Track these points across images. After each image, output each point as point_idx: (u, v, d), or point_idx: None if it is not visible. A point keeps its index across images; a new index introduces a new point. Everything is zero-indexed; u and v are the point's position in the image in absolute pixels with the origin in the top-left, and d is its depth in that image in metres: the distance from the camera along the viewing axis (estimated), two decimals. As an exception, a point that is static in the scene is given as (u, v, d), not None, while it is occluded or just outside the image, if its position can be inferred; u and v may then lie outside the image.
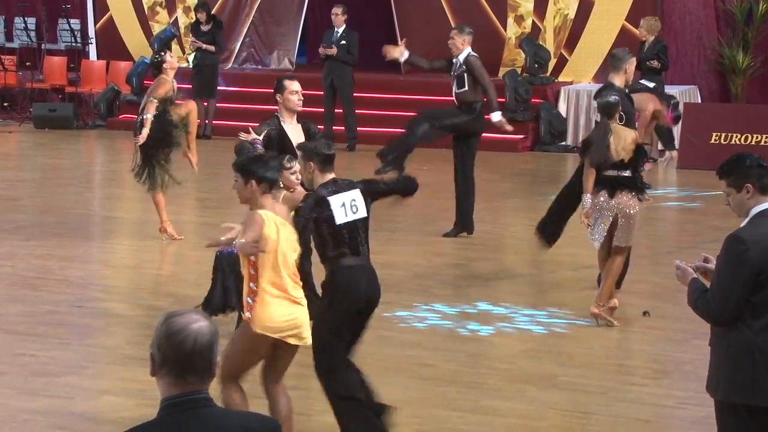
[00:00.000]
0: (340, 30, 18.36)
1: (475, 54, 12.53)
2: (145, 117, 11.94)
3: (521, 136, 18.76)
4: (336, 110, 18.50)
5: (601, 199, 9.50)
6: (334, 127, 18.32)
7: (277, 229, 6.54)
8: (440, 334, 9.43)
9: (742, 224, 5.44)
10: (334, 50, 18.06)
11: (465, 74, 12.41)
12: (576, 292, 10.42)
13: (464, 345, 9.17)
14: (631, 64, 10.50)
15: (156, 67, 12.50)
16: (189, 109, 12.50)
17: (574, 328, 9.64)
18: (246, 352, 6.68)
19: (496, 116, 12.72)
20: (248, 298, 6.65)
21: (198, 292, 9.33)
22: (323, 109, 18.20)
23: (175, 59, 12.57)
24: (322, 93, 18.29)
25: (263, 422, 3.60)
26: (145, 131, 11.88)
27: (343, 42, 18.22)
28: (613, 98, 9.57)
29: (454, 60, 12.59)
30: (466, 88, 12.44)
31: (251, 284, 6.59)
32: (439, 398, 7.99)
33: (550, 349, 9.11)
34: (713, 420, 5.60)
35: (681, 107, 14.83)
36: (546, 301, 10.41)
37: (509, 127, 13.07)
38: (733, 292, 5.28)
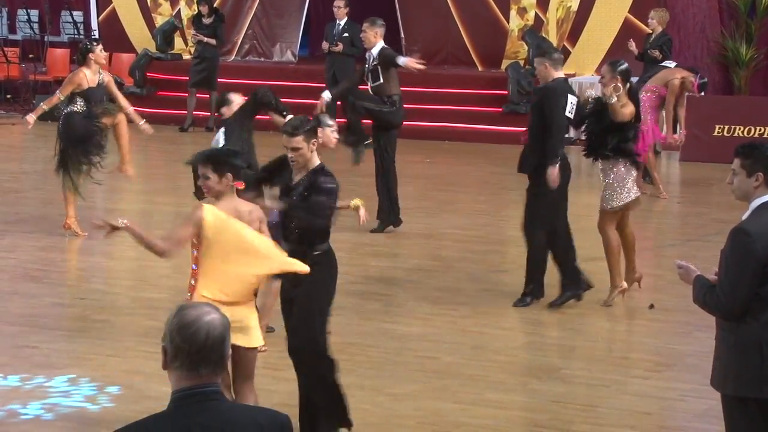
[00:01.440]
0: (342, 22, 18.33)
1: (387, 47, 12.52)
2: (41, 104, 11.68)
3: (524, 129, 18.74)
4: (338, 102, 18.47)
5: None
6: (336, 120, 18.32)
7: (217, 224, 6.26)
8: (442, 326, 9.43)
9: (744, 216, 5.43)
10: (340, 47, 18.02)
11: (379, 67, 12.33)
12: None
13: (466, 337, 9.17)
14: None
15: (81, 55, 11.73)
16: (117, 120, 11.78)
17: (577, 320, 9.64)
18: None
19: (402, 60, 12.54)
20: (192, 280, 6.42)
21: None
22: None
23: (103, 54, 11.74)
24: (324, 85, 18.29)
25: (272, 416, 3.60)
26: (32, 116, 11.68)
27: (346, 35, 18.20)
28: (627, 65, 9.78)
29: (367, 55, 12.50)
30: (381, 81, 12.36)
31: (193, 265, 6.38)
32: (441, 391, 7.98)
33: (552, 342, 9.11)
34: (716, 412, 5.59)
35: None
36: (549, 293, 10.40)
37: (418, 65, 12.63)
38: (741, 285, 5.26)
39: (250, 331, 6.37)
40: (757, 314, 5.28)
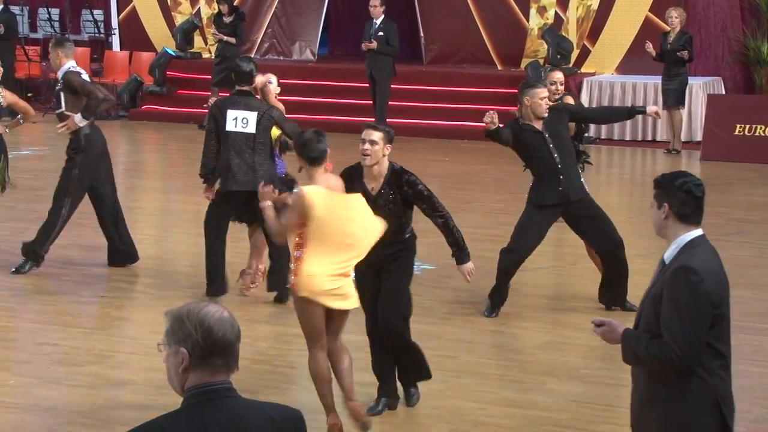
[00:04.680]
0: (378, 21, 18.40)
1: (75, 69, 10.74)
2: None
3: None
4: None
5: None
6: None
7: (325, 201, 6.75)
8: (460, 325, 9.42)
9: (666, 254, 4.83)
10: (374, 44, 18.12)
11: (62, 92, 10.73)
12: (597, 284, 10.38)
13: (485, 337, 9.16)
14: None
15: None
16: None
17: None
18: (303, 320, 6.93)
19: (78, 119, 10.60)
20: (292, 264, 6.94)
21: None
22: (371, 102, 18.38)
23: None
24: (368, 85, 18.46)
25: (285, 411, 3.61)
26: None
27: (381, 33, 18.27)
28: None
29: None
30: (63, 108, 10.73)
31: (296, 252, 6.86)
32: (460, 390, 7.99)
33: (571, 341, 9.09)
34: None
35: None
36: (567, 292, 10.39)
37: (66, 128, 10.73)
38: (700, 329, 4.67)
39: (349, 296, 6.95)
40: (705, 362, 4.69)
